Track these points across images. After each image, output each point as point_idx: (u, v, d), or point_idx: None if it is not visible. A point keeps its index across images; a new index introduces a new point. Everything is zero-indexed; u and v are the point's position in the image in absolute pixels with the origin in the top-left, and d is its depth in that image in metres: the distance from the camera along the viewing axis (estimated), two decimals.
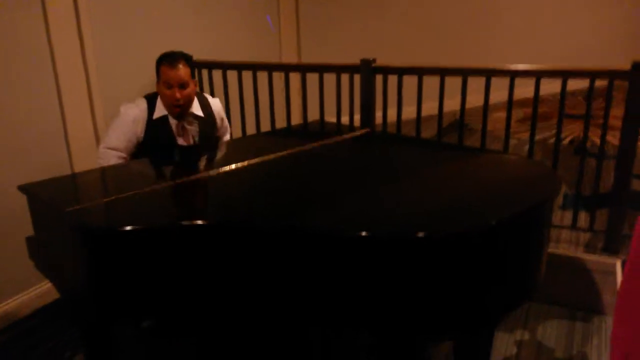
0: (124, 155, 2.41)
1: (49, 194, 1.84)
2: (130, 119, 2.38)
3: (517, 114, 5.70)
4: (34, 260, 2.04)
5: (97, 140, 2.97)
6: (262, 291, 1.58)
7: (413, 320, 1.49)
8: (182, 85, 2.36)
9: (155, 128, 2.40)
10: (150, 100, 2.44)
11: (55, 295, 2.75)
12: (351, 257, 1.46)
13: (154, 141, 2.40)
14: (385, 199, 1.75)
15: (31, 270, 2.07)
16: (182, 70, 2.36)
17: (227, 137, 2.84)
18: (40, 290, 2.73)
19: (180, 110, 2.41)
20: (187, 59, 2.47)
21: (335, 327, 1.62)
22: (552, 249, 2.77)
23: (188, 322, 2.20)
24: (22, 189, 1.87)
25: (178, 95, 2.35)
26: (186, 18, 3.49)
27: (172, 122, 2.43)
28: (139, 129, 2.39)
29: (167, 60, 2.39)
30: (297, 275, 1.53)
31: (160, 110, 2.42)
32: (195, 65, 3.23)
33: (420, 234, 1.42)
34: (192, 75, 2.59)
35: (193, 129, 2.50)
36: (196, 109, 2.50)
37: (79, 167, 2.84)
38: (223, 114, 2.74)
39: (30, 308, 2.70)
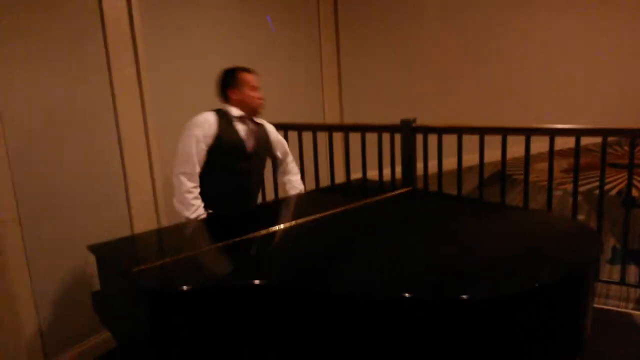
0: (195, 184, 2.54)
1: (116, 255, 2.00)
2: (204, 121, 2.54)
3: (561, 164, 5.68)
4: (99, 314, 2.19)
5: (155, 198, 3.19)
6: (315, 349, 1.66)
7: None
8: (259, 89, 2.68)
9: (227, 130, 2.58)
10: (215, 110, 2.63)
11: (108, 347, 2.91)
12: (393, 317, 1.54)
13: (225, 144, 2.56)
14: (429, 260, 1.82)
15: (89, 323, 2.21)
16: None
17: (289, 156, 2.99)
18: (96, 343, 2.89)
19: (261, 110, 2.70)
20: None
21: None
22: (601, 304, 2.74)
23: None
24: (92, 249, 2.03)
25: (262, 94, 2.65)
26: None
27: (239, 125, 2.62)
28: (212, 132, 2.53)
29: (245, 69, 2.67)
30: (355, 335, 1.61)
31: (237, 112, 2.63)
32: None
33: (464, 297, 1.49)
34: None
35: (256, 133, 2.70)
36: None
37: (138, 224, 3.04)
38: (276, 132, 2.93)
39: (89, 357, 2.85)
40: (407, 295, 1.51)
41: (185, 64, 3.43)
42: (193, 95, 3.40)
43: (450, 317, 1.51)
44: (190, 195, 2.52)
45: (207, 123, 2.54)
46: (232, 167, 2.62)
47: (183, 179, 2.52)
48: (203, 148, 2.54)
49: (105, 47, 2.85)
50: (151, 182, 3.16)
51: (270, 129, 2.87)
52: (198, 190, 2.56)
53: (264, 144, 2.77)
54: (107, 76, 2.89)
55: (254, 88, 2.64)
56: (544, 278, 1.60)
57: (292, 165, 3.00)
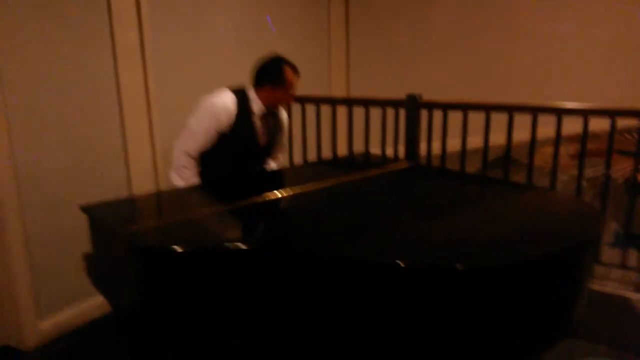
0: (195, 162, 2.51)
1: (109, 215, 1.98)
2: (223, 108, 2.45)
3: (569, 149, 5.59)
4: (90, 276, 2.18)
5: (155, 165, 3.16)
6: (311, 319, 1.64)
7: (456, 351, 1.52)
8: None
9: (244, 123, 2.51)
10: (238, 94, 2.53)
11: (104, 310, 2.91)
12: (393, 285, 1.52)
13: (238, 137, 2.50)
14: (429, 231, 1.79)
15: (84, 284, 2.22)
16: None
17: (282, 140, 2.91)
18: (91, 305, 2.90)
19: None
20: None
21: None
22: (600, 286, 2.71)
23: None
24: (84, 209, 2.01)
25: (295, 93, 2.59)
26: (240, 54, 3.68)
27: (257, 120, 2.56)
28: (228, 122, 2.46)
29: (293, 67, 2.54)
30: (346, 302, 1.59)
31: (259, 107, 2.53)
32: None
33: (460, 266, 1.47)
34: None
35: (271, 127, 2.65)
36: None
37: (137, 189, 3.03)
38: (287, 119, 2.87)
39: (82, 320, 2.86)
40: (402, 264, 1.50)
41: (191, 33, 3.37)
42: (196, 64, 3.36)
43: (445, 285, 1.49)
44: (188, 172, 2.49)
45: (225, 111, 2.45)
46: (240, 159, 2.59)
47: (184, 156, 2.48)
48: (214, 134, 2.47)
49: (109, 9, 2.81)
50: (151, 150, 3.13)
51: (284, 117, 2.80)
52: (196, 169, 2.53)
53: (275, 136, 2.72)
54: (110, 40, 2.85)
55: (292, 90, 2.56)
56: (538, 252, 1.56)
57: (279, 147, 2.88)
